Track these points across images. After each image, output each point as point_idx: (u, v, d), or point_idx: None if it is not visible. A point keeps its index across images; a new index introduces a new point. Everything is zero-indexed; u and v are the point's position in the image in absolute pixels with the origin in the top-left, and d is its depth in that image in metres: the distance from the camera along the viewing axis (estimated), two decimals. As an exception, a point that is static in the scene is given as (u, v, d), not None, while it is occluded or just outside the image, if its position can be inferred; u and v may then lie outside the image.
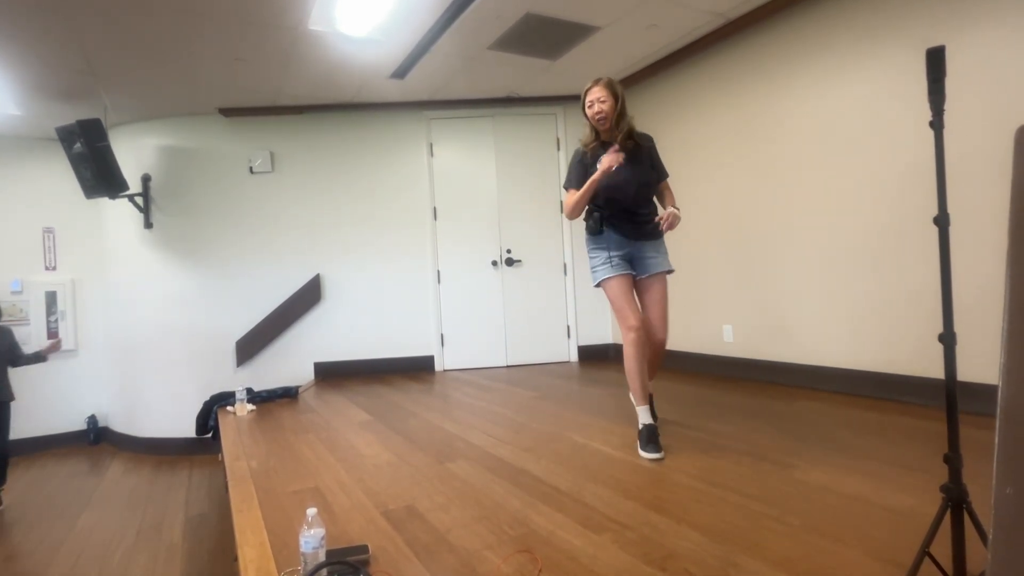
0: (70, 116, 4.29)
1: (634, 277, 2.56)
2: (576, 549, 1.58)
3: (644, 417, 2.43)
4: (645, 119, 4.68)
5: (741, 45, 3.81)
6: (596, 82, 2.49)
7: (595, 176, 2.43)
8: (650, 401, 2.51)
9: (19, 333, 5.21)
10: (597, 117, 2.47)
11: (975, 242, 2.63)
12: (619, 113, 2.48)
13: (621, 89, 2.48)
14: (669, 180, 2.69)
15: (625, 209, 2.53)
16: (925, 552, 1.24)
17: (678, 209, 2.51)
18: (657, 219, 2.50)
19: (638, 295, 2.59)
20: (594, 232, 2.55)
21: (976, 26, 2.66)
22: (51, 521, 3.57)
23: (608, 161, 2.39)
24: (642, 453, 2.36)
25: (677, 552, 1.53)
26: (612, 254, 2.52)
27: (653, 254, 2.56)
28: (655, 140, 2.65)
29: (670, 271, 2.60)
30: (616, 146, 2.45)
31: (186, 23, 3.28)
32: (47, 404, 5.32)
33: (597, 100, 2.46)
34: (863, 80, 3.13)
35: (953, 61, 2.57)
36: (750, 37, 3.74)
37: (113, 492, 4.10)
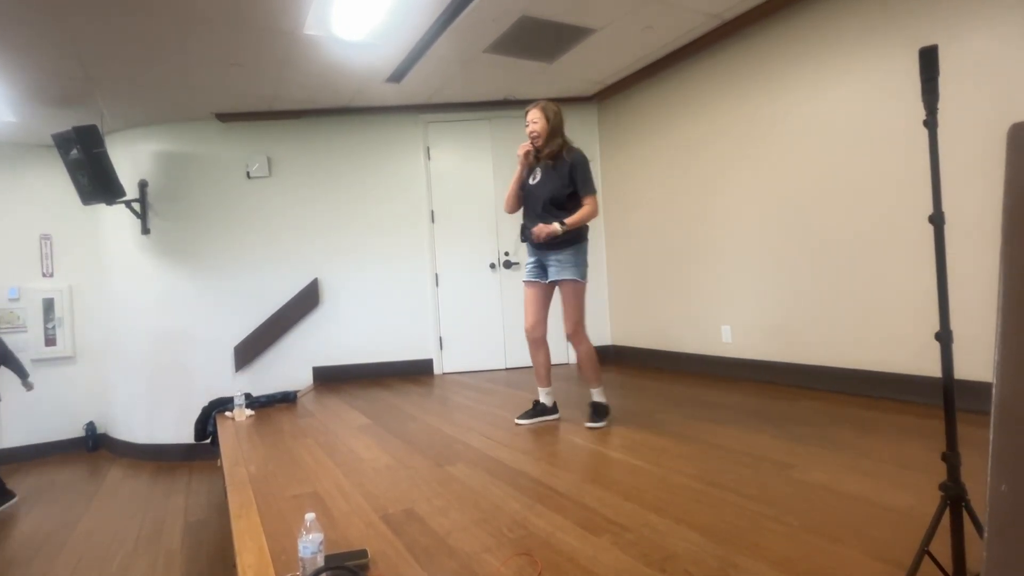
0: (66, 123, 4.28)
1: (544, 283, 2.96)
2: (575, 551, 1.58)
3: (539, 395, 3.10)
4: (642, 121, 4.70)
5: (737, 46, 3.82)
6: (533, 105, 2.89)
7: (517, 170, 2.95)
8: (597, 409, 2.92)
9: (16, 340, 5.22)
10: (531, 136, 2.88)
11: (973, 239, 2.64)
12: (551, 132, 2.85)
13: (554, 111, 2.87)
14: (591, 199, 2.83)
15: (535, 220, 2.89)
16: (925, 551, 1.24)
17: (565, 226, 2.76)
18: (533, 230, 2.82)
19: None
20: (520, 240, 3.06)
21: (969, 26, 2.67)
22: (49, 528, 3.56)
23: (520, 150, 2.89)
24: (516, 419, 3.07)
25: (677, 553, 1.53)
26: (528, 260, 3.01)
27: (555, 263, 2.86)
28: (586, 157, 2.86)
29: (568, 280, 2.83)
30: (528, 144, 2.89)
31: (182, 29, 3.29)
32: (45, 411, 5.30)
33: (531, 121, 2.87)
34: (858, 80, 3.14)
35: (946, 60, 2.58)
36: (746, 38, 3.76)
37: (111, 499, 4.09)
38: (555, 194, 2.83)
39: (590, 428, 2.87)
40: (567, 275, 2.83)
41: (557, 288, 2.92)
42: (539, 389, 3.10)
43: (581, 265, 2.86)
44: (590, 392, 3.00)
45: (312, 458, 2.69)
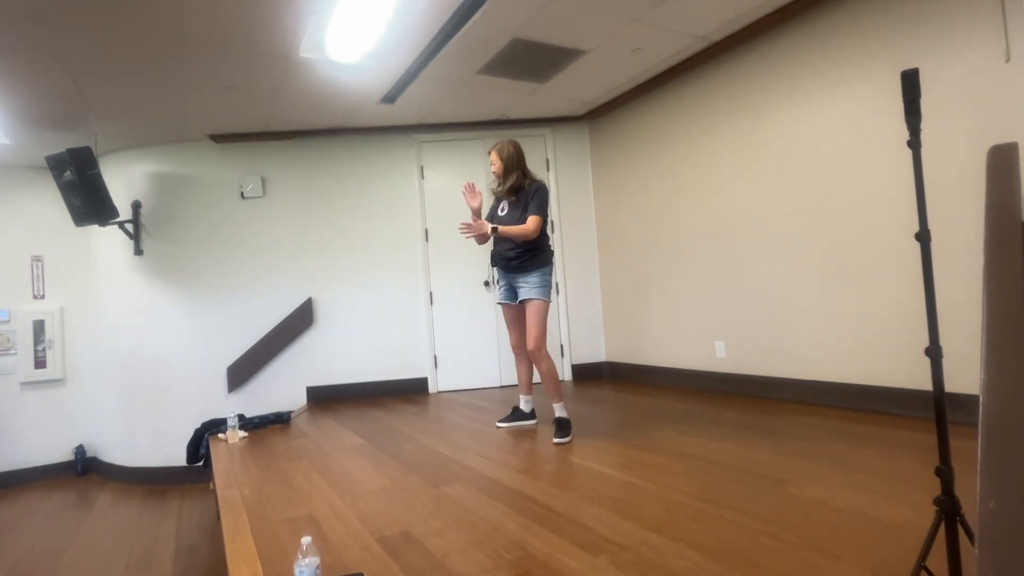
0: (60, 144, 4.29)
1: (515, 304, 3.20)
2: (574, 572, 1.57)
3: (520, 403, 3.42)
4: (633, 139, 4.76)
5: (724, 67, 3.90)
6: (492, 147, 3.20)
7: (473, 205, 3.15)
8: (561, 424, 3.07)
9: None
10: (495, 174, 3.21)
11: (961, 253, 2.68)
12: (506, 169, 3.16)
13: (508, 151, 3.16)
14: (533, 218, 3.03)
15: (502, 248, 3.16)
16: (922, 566, 1.25)
17: (496, 231, 3.02)
18: (514, 250, 3.10)
19: None
20: (491, 265, 3.37)
21: (951, 48, 2.75)
22: (37, 555, 3.48)
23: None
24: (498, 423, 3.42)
25: (676, 572, 1.52)
26: (499, 283, 3.29)
27: (523, 284, 3.13)
28: (545, 184, 3.16)
29: (534, 299, 3.07)
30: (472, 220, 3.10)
31: (177, 51, 3.32)
32: (33, 435, 5.22)
33: (492, 162, 3.20)
34: (845, 99, 3.21)
35: (930, 82, 2.65)
36: (733, 59, 3.83)
37: (101, 524, 4.02)
38: (515, 223, 3.10)
39: (557, 444, 2.96)
40: (533, 295, 3.08)
41: (523, 306, 3.16)
42: (520, 396, 3.41)
43: (546, 287, 3.11)
44: (553, 408, 3.14)
45: (307, 480, 2.67)
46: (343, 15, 3.04)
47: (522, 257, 3.11)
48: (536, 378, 3.31)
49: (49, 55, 3.22)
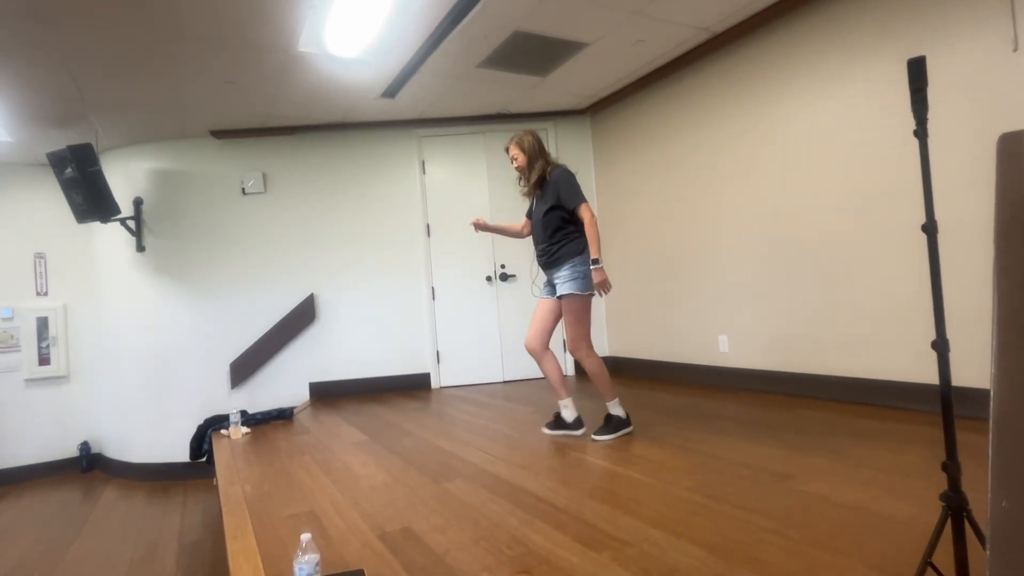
0: (61, 141, 4.29)
1: (552, 298, 2.99)
2: (576, 568, 1.56)
3: (560, 409, 3.06)
4: (635, 133, 4.73)
5: (727, 58, 3.86)
6: (509, 140, 3.01)
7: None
8: (608, 420, 2.94)
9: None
10: (518, 170, 3.02)
11: (969, 245, 2.65)
12: (530, 160, 2.95)
13: (529, 141, 2.96)
14: (582, 207, 2.83)
15: (537, 243, 3.02)
16: (927, 562, 1.23)
17: (599, 262, 2.79)
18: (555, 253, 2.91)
19: None
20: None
21: (958, 37, 2.71)
22: (40, 553, 3.50)
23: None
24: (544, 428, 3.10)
25: (678, 568, 1.51)
26: (540, 281, 3.13)
27: (558, 280, 2.92)
28: (568, 171, 2.90)
29: (567, 294, 2.86)
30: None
31: (176, 47, 3.30)
32: (38, 431, 5.24)
33: (512, 157, 3.00)
34: (851, 91, 3.18)
35: (937, 71, 2.61)
36: (736, 51, 3.80)
37: (105, 520, 4.03)
38: (545, 216, 2.91)
39: (594, 440, 2.86)
40: (567, 289, 2.86)
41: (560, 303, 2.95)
42: (559, 402, 3.05)
43: (578, 279, 2.85)
44: (607, 406, 2.95)
45: (308, 476, 2.67)
46: (342, 9, 3.01)
47: (548, 252, 2.93)
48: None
49: (48, 53, 3.21)
